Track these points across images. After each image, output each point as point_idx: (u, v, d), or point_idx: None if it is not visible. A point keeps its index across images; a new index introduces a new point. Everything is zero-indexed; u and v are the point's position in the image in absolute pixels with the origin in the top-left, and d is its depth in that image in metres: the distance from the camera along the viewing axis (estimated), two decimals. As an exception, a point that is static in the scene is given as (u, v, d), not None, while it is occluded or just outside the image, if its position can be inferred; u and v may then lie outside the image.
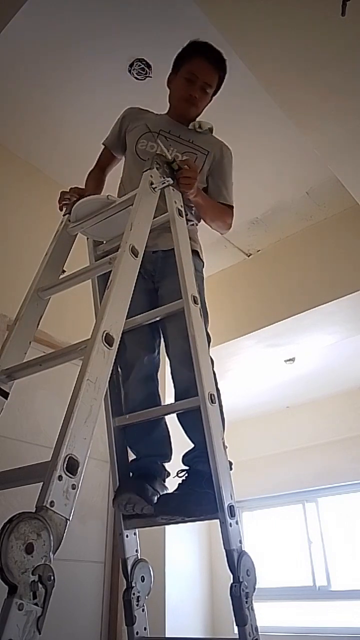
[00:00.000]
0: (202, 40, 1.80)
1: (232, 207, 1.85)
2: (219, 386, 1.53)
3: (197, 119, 1.87)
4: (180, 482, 1.40)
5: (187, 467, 1.43)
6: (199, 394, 1.34)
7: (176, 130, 1.81)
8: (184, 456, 1.47)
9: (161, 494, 1.41)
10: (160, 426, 1.57)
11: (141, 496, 1.35)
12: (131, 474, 1.50)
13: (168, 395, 2.38)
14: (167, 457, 1.55)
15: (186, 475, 1.40)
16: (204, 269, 1.76)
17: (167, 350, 1.63)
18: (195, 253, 1.70)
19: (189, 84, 1.78)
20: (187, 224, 1.60)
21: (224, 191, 1.84)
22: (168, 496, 1.37)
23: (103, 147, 1.94)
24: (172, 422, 1.61)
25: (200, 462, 1.37)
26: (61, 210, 1.70)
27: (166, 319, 1.57)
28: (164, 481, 1.49)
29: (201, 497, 1.28)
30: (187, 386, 1.46)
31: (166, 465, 1.54)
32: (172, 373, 1.58)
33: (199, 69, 1.77)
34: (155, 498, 1.38)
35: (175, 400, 1.52)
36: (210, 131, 1.88)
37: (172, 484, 1.48)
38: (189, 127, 1.84)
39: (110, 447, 1.51)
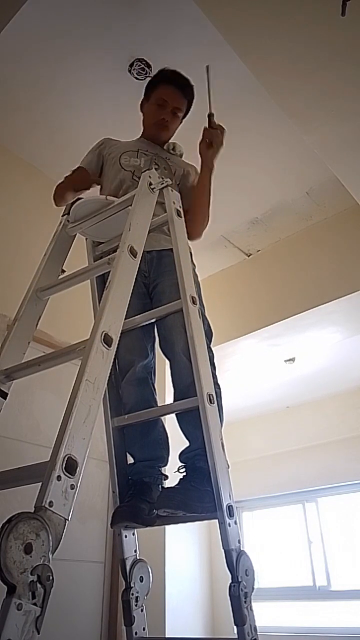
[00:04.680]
0: (171, 69, 1.93)
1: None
2: (218, 381, 1.53)
3: (171, 141, 1.99)
4: (182, 477, 1.40)
5: (184, 464, 1.43)
6: (197, 394, 1.35)
7: (153, 150, 1.92)
8: (181, 453, 1.46)
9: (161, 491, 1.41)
10: (156, 429, 1.56)
11: (136, 521, 1.37)
12: (129, 478, 1.50)
13: (168, 395, 2.39)
14: (163, 460, 1.54)
15: (186, 472, 1.40)
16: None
17: (164, 350, 1.63)
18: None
19: (160, 109, 1.91)
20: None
21: None
22: (170, 490, 1.37)
23: (78, 168, 1.94)
24: (171, 422, 1.61)
25: (201, 459, 1.37)
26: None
27: (163, 319, 1.57)
28: (160, 486, 1.48)
29: (203, 495, 1.28)
30: (186, 386, 1.46)
31: (163, 468, 1.54)
32: (171, 374, 1.58)
33: (169, 95, 1.90)
34: (153, 511, 1.38)
35: (175, 400, 1.52)
36: (181, 156, 2.01)
37: (172, 479, 1.48)
38: (163, 147, 1.97)
39: (109, 448, 1.51)
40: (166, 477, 1.52)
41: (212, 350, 1.58)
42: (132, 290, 1.25)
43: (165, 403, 2.33)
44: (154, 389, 1.65)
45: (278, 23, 1.82)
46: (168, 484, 1.51)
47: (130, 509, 1.39)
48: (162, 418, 1.59)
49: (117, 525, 1.41)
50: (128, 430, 1.54)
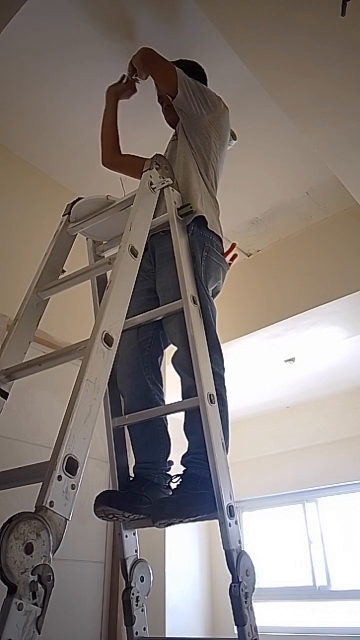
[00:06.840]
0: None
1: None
2: (226, 384, 1.51)
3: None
4: (175, 487, 1.40)
5: (184, 469, 1.43)
6: (198, 394, 1.34)
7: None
8: (182, 457, 1.46)
9: (155, 498, 1.39)
10: (155, 429, 1.54)
11: (111, 506, 1.33)
12: (131, 475, 1.50)
13: (168, 395, 2.39)
14: (165, 463, 1.53)
15: (180, 480, 1.40)
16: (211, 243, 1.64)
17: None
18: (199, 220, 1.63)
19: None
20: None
21: None
22: (163, 500, 1.37)
23: None
24: (174, 422, 1.60)
25: (194, 465, 1.37)
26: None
27: (164, 320, 1.57)
28: (162, 484, 1.46)
29: (197, 498, 1.28)
30: (188, 387, 1.46)
31: (164, 468, 1.53)
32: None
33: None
34: (143, 502, 1.36)
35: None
36: None
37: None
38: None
39: (109, 448, 1.51)
40: (171, 478, 1.50)
41: (221, 354, 1.55)
42: (138, 287, 1.24)
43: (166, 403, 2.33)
44: (157, 386, 1.63)
45: (278, 23, 1.82)
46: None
47: (110, 494, 1.37)
48: (165, 419, 1.58)
49: (96, 511, 1.35)
50: (130, 429, 1.54)
